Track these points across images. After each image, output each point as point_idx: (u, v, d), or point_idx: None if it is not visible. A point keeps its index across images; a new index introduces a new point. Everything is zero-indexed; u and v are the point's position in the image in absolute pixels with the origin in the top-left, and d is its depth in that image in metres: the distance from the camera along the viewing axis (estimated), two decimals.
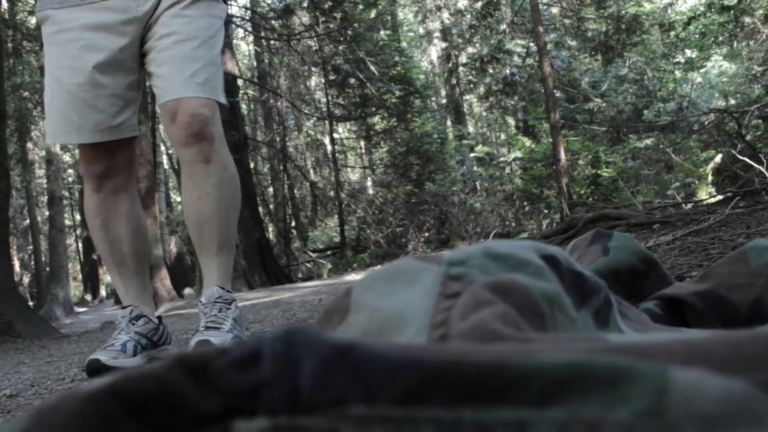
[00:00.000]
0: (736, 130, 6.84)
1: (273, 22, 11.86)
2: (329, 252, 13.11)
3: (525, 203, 10.25)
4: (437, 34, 15.72)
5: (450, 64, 14.84)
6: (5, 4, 11.02)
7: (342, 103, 12.80)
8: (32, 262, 17.25)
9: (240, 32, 14.35)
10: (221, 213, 1.87)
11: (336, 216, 13.14)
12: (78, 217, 21.22)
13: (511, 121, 15.07)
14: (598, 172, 8.84)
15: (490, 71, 12.53)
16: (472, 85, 14.16)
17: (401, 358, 0.19)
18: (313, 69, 13.17)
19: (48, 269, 13.53)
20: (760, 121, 8.18)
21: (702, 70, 11.47)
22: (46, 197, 13.53)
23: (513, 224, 10.27)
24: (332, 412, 0.19)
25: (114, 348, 1.78)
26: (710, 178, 7.04)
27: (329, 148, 13.52)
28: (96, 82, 1.77)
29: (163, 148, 16.19)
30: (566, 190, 7.14)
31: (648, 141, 9.89)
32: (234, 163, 1.95)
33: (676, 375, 0.17)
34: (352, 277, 6.96)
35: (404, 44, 15.36)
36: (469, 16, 12.95)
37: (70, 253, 20.23)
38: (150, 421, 0.20)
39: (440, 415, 0.18)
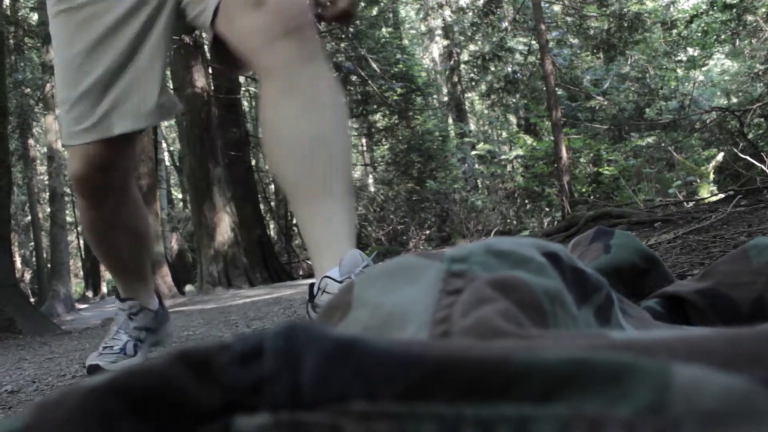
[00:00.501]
0: (738, 128, 6.84)
1: None
2: None
3: (526, 201, 10.25)
4: (439, 31, 15.71)
5: (452, 62, 14.83)
6: (7, 1, 11.02)
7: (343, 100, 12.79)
8: (34, 259, 17.27)
9: None
10: (343, 131, 1.26)
11: None
12: (79, 214, 21.23)
13: (512, 119, 15.06)
14: (600, 170, 8.83)
15: (492, 69, 12.52)
16: (473, 83, 14.15)
17: (403, 354, 0.19)
18: None
19: (49, 266, 13.54)
20: (762, 119, 8.16)
21: (704, 69, 11.45)
22: (48, 194, 13.54)
23: (514, 222, 10.27)
24: (334, 407, 0.19)
25: (113, 351, 1.71)
26: (712, 176, 7.03)
27: None
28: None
29: (164, 144, 16.19)
30: (567, 188, 7.14)
31: (649, 139, 9.88)
32: None
33: (677, 372, 0.17)
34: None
35: (406, 42, 15.35)
36: (470, 13, 12.94)
37: (72, 250, 20.25)
38: (151, 417, 0.20)
39: (442, 411, 0.18)
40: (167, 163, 16.96)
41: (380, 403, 0.19)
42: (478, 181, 12.76)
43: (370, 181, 14.85)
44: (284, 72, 1.23)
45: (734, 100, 11.25)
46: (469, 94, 16.18)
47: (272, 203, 14.26)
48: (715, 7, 8.51)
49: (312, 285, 1.15)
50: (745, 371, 0.18)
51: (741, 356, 0.20)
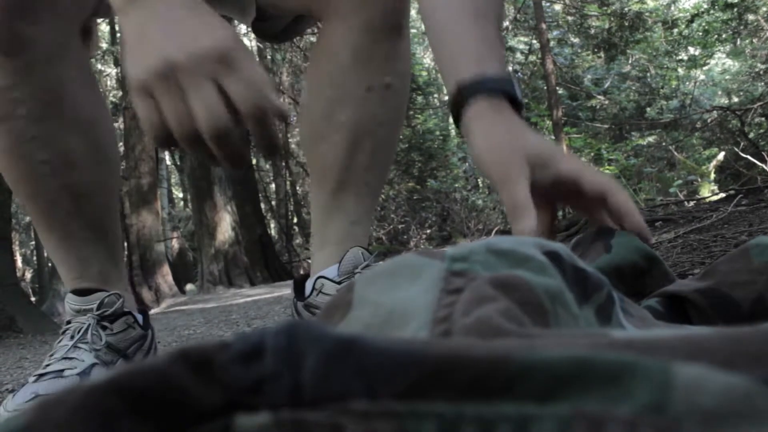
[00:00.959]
0: (739, 127, 6.83)
1: None
2: None
3: None
4: None
5: None
6: None
7: None
8: (34, 258, 17.28)
9: (242, 28, 14.34)
10: (397, 124, 1.10)
11: None
12: None
13: None
14: (601, 169, 8.83)
15: None
16: None
17: (403, 353, 0.19)
18: None
19: (50, 265, 13.55)
20: (763, 118, 8.15)
21: (705, 68, 11.44)
22: None
23: None
24: (334, 406, 0.19)
25: (65, 386, 0.66)
26: (713, 175, 7.02)
27: None
28: None
29: None
30: None
31: (650, 138, 9.87)
32: None
33: (678, 371, 0.17)
34: None
35: None
36: None
37: None
38: (151, 416, 0.19)
39: (442, 409, 0.18)
40: (168, 162, 16.96)
41: (381, 401, 0.19)
42: (479, 180, 12.75)
43: None
44: (361, 41, 0.97)
45: (735, 99, 11.24)
46: None
47: (273, 202, 14.26)
48: (716, 6, 8.50)
49: (298, 281, 1.09)
50: (745, 370, 0.18)
51: (741, 355, 0.20)
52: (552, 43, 10.26)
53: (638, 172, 8.44)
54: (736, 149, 6.06)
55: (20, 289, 5.14)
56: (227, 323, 2.97)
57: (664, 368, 0.17)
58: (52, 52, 0.96)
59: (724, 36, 9.59)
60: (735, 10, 8.31)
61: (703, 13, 8.97)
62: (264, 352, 0.20)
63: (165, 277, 8.24)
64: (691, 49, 10.99)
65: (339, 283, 1.00)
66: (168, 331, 2.90)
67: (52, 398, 0.20)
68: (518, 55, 12.28)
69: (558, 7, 11.81)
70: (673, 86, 11.01)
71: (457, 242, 8.76)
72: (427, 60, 16.96)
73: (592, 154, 9.10)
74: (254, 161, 11.78)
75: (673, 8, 11.38)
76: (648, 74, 11.07)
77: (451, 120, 15.05)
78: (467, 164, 12.71)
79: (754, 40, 10.39)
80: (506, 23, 11.79)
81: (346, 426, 0.19)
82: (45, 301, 11.71)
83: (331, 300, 0.36)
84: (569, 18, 11.56)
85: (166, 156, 16.57)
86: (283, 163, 13.27)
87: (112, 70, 10.88)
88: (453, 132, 13.65)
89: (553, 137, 8.01)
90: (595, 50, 11.39)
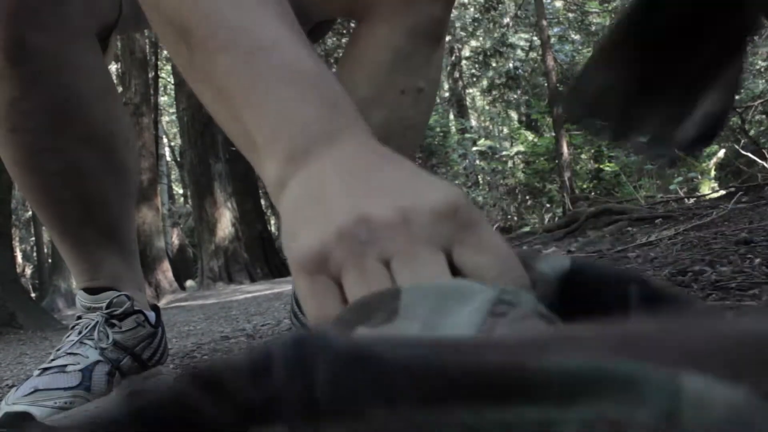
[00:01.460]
0: (740, 125, 6.82)
1: None
2: None
3: (527, 197, 10.25)
4: None
5: (453, 58, 14.81)
6: None
7: None
8: (34, 254, 17.29)
9: None
10: (423, 128, 1.08)
11: None
12: None
13: (513, 114, 15.04)
14: (601, 166, 8.83)
15: (493, 65, 12.50)
16: (475, 79, 14.13)
17: (420, 359, 0.19)
18: None
19: (50, 261, 13.56)
20: (764, 116, 8.15)
21: None
22: None
23: (515, 218, 10.27)
24: (351, 417, 0.19)
25: (66, 382, 0.91)
26: (713, 173, 7.02)
27: None
28: None
29: (165, 140, 16.20)
30: (569, 184, 7.14)
31: None
32: None
33: (686, 381, 0.17)
34: None
35: None
36: (472, 9, 12.91)
37: None
38: None
39: (463, 416, 0.18)
40: (168, 159, 16.96)
41: (399, 410, 0.18)
42: (479, 177, 12.75)
43: None
44: (400, 43, 0.94)
45: (735, 96, 11.22)
46: (471, 90, 16.16)
47: None
48: None
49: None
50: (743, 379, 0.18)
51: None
52: (553, 40, 10.25)
53: (638, 169, 8.43)
54: (737, 146, 6.06)
55: (20, 285, 5.14)
56: (227, 319, 2.98)
57: (672, 378, 0.17)
58: (61, 62, 0.92)
59: None
60: None
61: None
62: (273, 367, 0.20)
63: (165, 273, 8.25)
64: None
65: None
66: (168, 327, 2.90)
67: (68, 426, 0.20)
68: (519, 51, 12.27)
69: (559, 3, 11.80)
70: None
71: None
72: None
73: (593, 150, 9.10)
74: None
75: None
76: None
77: (451, 116, 15.05)
78: (467, 161, 12.71)
79: (755, 38, 10.36)
80: (507, 20, 11.78)
81: None
82: (45, 297, 11.72)
83: (366, 299, 0.35)
84: (570, 15, 11.55)
85: (167, 152, 16.58)
86: None
87: (110, 66, 10.88)
88: (453, 129, 13.64)
89: (553, 134, 8.01)
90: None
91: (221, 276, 8.43)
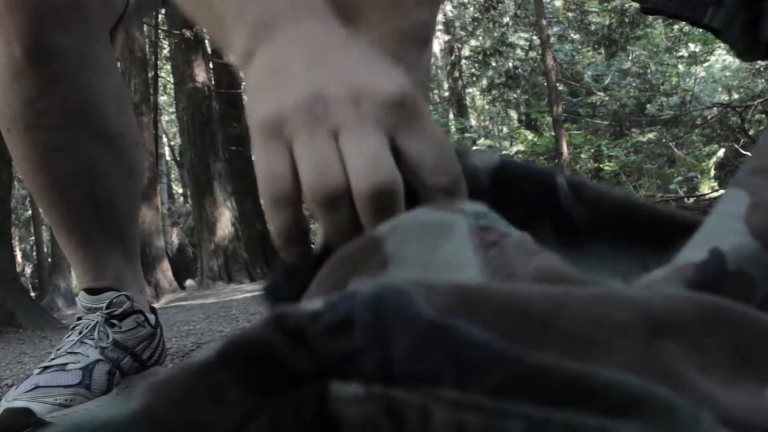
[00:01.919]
0: (739, 124, 6.83)
1: None
2: None
3: None
4: (440, 26, 15.68)
5: (453, 57, 14.81)
6: None
7: None
8: (34, 253, 17.29)
9: None
10: None
11: None
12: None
13: (513, 114, 15.04)
14: (601, 165, 8.83)
15: (493, 64, 12.50)
16: (474, 78, 14.12)
17: (499, 351, 0.20)
18: None
19: (50, 260, 13.56)
20: (763, 115, 8.15)
21: (705, 64, 11.43)
22: None
23: None
24: (425, 390, 0.20)
25: (66, 380, 0.90)
26: (713, 172, 7.02)
27: None
28: None
29: (165, 139, 16.19)
30: None
31: (651, 135, 9.87)
32: None
33: (705, 417, 0.19)
34: None
35: None
36: (471, 8, 12.91)
37: None
38: (254, 383, 0.21)
39: (531, 412, 0.19)
40: (168, 158, 16.96)
41: (471, 394, 0.19)
42: None
43: None
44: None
45: (735, 96, 11.23)
46: (470, 90, 16.16)
47: None
48: None
49: None
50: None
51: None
52: (552, 40, 10.25)
53: (638, 169, 8.44)
54: (736, 146, 6.06)
55: (20, 285, 5.14)
56: (227, 319, 2.98)
57: (697, 413, 0.19)
58: (80, 62, 0.94)
59: None
60: None
61: None
62: (353, 325, 0.21)
63: (164, 272, 8.25)
64: (692, 46, 10.98)
65: None
66: (168, 326, 2.90)
67: (161, 380, 0.21)
68: (518, 51, 12.27)
69: (558, 3, 11.80)
70: (674, 83, 11.00)
71: None
72: None
73: (593, 150, 9.10)
74: (254, 156, 11.76)
75: None
76: (648, 71, 11.06)
77: (451, 116, 15.00)
78: None
79: None
80: (507, 19, 11.78)
81: (434, 411, 0.19)
82: (45, 296, 11.72)
83: (349, 252, 0.35)
84: (570, 14, 11.55)
85: (166, 151, 16.58)
86: None
87: None
88: (453, 128, 13.64)
89: (553, 133, 8.01)
90: (596, 46, 11.38)
91: (221, 275, 8.42)
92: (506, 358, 0.19)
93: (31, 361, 2.35)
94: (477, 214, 0.34)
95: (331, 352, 0.21)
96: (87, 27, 0.94)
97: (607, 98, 10.80)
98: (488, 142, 12.29)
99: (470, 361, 0.20)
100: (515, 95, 13.21)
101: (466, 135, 13.44)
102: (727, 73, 12.39)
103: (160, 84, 12.07)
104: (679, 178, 7.07)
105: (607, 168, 8.65)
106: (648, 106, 10.71)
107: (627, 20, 10.31)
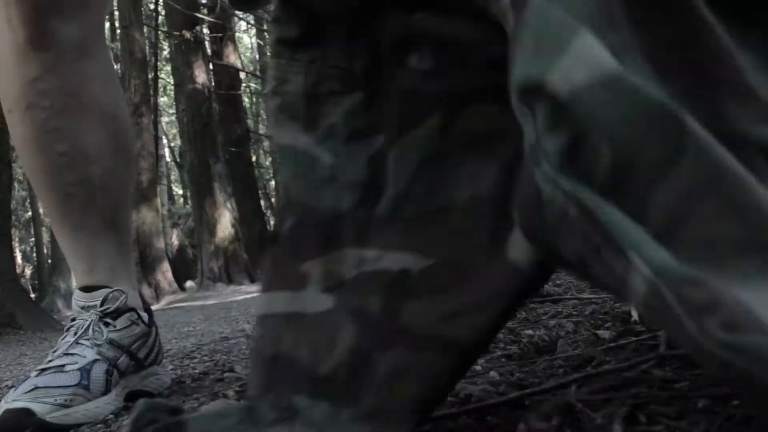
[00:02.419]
0: None
1: None
2: None
3: None
4: None
5: None
6: None
7: None
8: (34, 254, 17.28)
9: (242, 25, 14.34)
10: None
11: None
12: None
13: None
14: None
15: None
16: None
17: None
18: None
19: (50, 261, 13.56)
20: None
21: None
22: None
23: None
24: None
25: (65, 381, 0.90)
26: None
27: None
28: None
29: (165, 140, 16.21)
30: None
31: None
32: None
33: None
34: None
35: None
36: None
37: None
38: None
39: None
40: (168, 159, 16.97)
41: None
42: None
43: None
44: None
45: None
46: None
47: (273, 199, 14.26)
48: None
49: None
50: None
51: None
52: None
53: None
54: None
55: (20, 286, 5.14)
56: (227, 320, 2.98)
57: None
58: (81, 47, 0.98)
59: None
60: None
61: None
62: None
63: (165, 273, 8.25)
64: None
65: None
66: (168, 327, 2.90)
67: None
68: None
69: None
70: None
71: None
72: None
73: None
74: (254, 158, 11.78)
75: None
76: None
77: None
78: None
79: None
80: None
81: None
82: (45, 297, 11.72)
83: None
84: None
85: (166, 153, 16.58)
86: None
87: None
88: None
89: None
90: None
91: (221, 277, 8.42)
92: None
93: (31, 362, 2.36)
94: None
95: None
96: (87, 15, 0.98)
97: None
98: None
99: None
100: None
101: None
102: None
103: (160, 85, 12.09)
104: None
105: None
106: None
107: None
